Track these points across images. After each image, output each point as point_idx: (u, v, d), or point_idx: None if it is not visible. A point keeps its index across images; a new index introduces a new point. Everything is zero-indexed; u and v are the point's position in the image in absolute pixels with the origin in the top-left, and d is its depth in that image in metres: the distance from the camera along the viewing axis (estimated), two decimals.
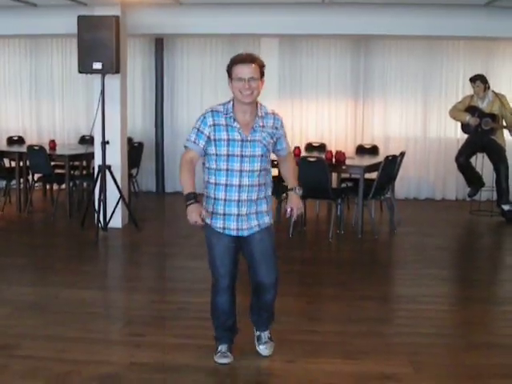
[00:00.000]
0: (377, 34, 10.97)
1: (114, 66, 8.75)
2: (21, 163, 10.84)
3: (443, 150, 12.59)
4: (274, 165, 5.34)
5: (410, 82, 12.54)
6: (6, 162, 11.61)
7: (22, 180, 10.94)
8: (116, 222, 9.50)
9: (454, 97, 11.93)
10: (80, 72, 8.92)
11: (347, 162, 9.48)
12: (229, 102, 4.61)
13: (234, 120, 4.52)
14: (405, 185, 12.53)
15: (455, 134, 12.23)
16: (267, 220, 4.77)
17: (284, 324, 5.72)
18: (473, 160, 10.82)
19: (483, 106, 10.45)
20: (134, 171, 11.39)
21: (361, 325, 5.80)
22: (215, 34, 11.94)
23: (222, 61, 12.56)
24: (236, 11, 10.35)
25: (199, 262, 7.92)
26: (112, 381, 4.59)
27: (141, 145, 11.52)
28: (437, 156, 12.70)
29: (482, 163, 10.91)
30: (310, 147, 11.49)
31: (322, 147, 11.41)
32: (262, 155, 4.60)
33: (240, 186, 4.57)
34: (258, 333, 5.12)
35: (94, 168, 10.01)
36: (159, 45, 12.81)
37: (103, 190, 9.11)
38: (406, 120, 12.66)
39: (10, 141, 12.10)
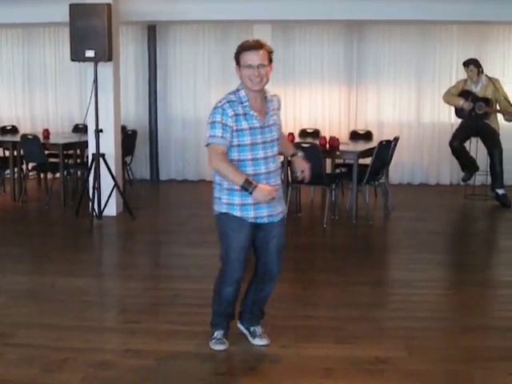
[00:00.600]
0: (370, 19, 10.98)
1: (107, 54, 8.73)
2: (15, 152, 10.80)
3: (437, 134, 12.59)
4: None
5: (403, 67, 12.53)
6: (0, 151, 11.59)
7: (16, 169, 10.92)
8: (110, 210, 9.49)
9: (447, 81, 11.93)
10: (72, 60, 8.90)
11: (341, 147, 9.48)
12: (237, 90, 4.53)
13: (251, 108, 4.45)
14: (399, 170, 12.53)
15: (449, 119, 12.24)
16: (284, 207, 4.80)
17: (279, 310, 5.72)
18: (467, 144, 10.83)
19: (477, 90, 10.45)
20: (128, 159, 11.38)
21: (355, 310, 5.82)
22: (208, 21, 11.93)
23: (214, 48, 12.57)
24: None
25: (194, 249, 7.98)
26: (107, 368, 4.59)
27: (134, 132, 11.50)
28: (431, 141, 12.70)
29: (476, 148, 10.91)
30: (303, 133, 11.48)
31: (315, 133, 11.40)
32: (277, 138, 4.60)
33: (267, 172, 4.52)
34: (252, 328, 5.08)
35: (87, 156, 10.00)
36: (152, 32, 12.76)
37: (97, 178, 9.11)
38: (400, 105, 12.66)
39: (4, 130, 12.06)
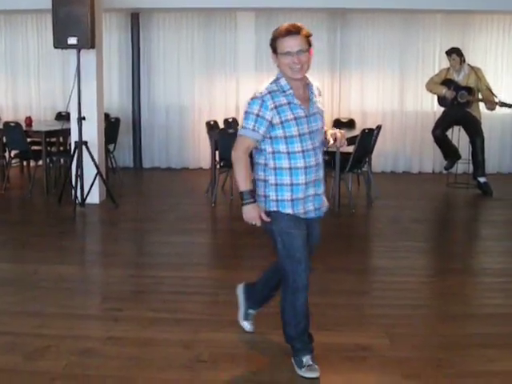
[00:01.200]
0: (353, 7, 10.98)
1: (90, 41, 8.70)
2: None
3: (420, 123, 12.65)
4: None
5: (386, 55, 12.57)
6: None
7: None
8: (93, 198, 9.48)
9: (430, 70, 11.98)
10: (55, 47, 8.86)
11: None
12: (277, 79, 4.24)
13: (294, 96, 4.17)
14: (382, 158, 12.58)
15: (432, 108, 12.30)
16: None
17: None
18: (449, 133, 10.88)
19: (459, 78, 10.49)
20: (111, 147, 11.36)
21: (337, 297, 5.85)
22: (191, 8, 11.90)
23: (198, 36, 12.55)
24: None
25: (177, 236, 7.99)
26: (90, 355, 4.60)
27: (117, 120, 11.47)
28: (413, 129, 12.76)
29: (458, 136, 10.97)
30: None
31: None
32: (322, 127, 4.31)
33: (316, 164, 4.23)
34: (251, 311, 5.01)
35: (70, 144, 9.97)
36: (135, 19, 12.73)
37: (80, 166, 9.09)
38: (383, 93, 12.70)
39: None
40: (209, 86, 12.85)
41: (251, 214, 4.23)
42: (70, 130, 9.66)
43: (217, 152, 9.74)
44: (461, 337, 4.97)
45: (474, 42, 12.40)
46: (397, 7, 10.97)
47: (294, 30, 4.04)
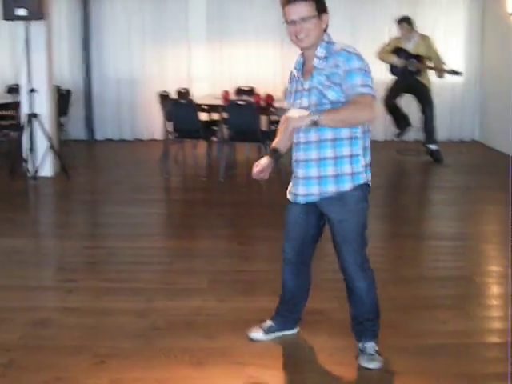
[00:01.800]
0: None
1: (39, 13, 8.59)
2: None
3: None
4: None
5: (338, 24, 12.57)
6: None
7: None
8: (46, 170, 9.41)
9: (382, 39, 12.02)
10: (4, 19, 8.73)
11: (276, 104, 9.51)
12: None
13: (301, 70, 4.00)
14: None
15: (383, 76, 12.34)
16: None
17: (215, 265, 5.85)
18: (400, 101, 10.97)
19: (409, 47, 10.56)
20: (63, 120, 11.25)
21: None
22: None
23: (149, 6, 12.44)
24: None
25: (130, 207, 8.00)
26: (45, 326, 4.61)
27: (68, 92, 11.35)
28: None
29: (408, 104, 11.08)
30: (239, 91, 11.47)
31: (250, 91, 11.40)
32: (316, 104, 3.84)
33: (306, 142, 4.01)
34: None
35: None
36: None
37: (31, 138, 9.01)
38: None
39: None
40: (160, 56, 12.77)
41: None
42: (20, 102, 9.56)
43: (169, 123, 9.71)
44: (413, 299, 5.08)
45: (424, 10, 12.48)
46: None
47: None
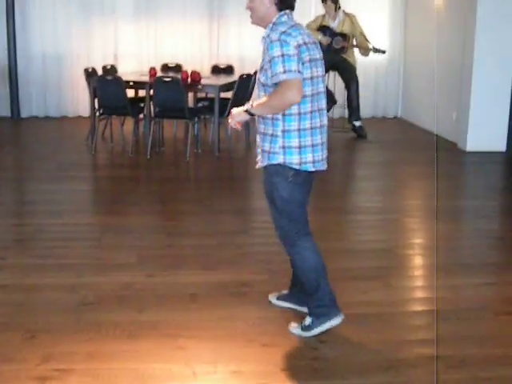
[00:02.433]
0: None
1: None
2: None
3: None
4: None
5: None
6: None
7: None
8: None
9: (307, 17, 12.11)
10: None
11: (203, 81, 9.53)
12: None
13: None
14: None
15: None
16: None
17: (143, 240, 5.91)
18: (325, 78, 11.09)
19: (334, 25, 10.70)
20: None
21: (219, 237, 6.02)
22: None
23: None
24: None
25: (57, 184, 7.96)
26: None
27: None
28: None
29: (334, 81, 11.23)
30: (165, 68, 11.43)
31: (177, 68, 11.38)
32: (263, 84, 3.98)
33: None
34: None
35: None
36: None
37: None
38: (261, 39, 12.76)
39: None
40: (87, 31, 12.59)
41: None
42: None
43: (96, 99, 9.66)
44: (336, 271, 5.18)
45: None
46: None
47: None
